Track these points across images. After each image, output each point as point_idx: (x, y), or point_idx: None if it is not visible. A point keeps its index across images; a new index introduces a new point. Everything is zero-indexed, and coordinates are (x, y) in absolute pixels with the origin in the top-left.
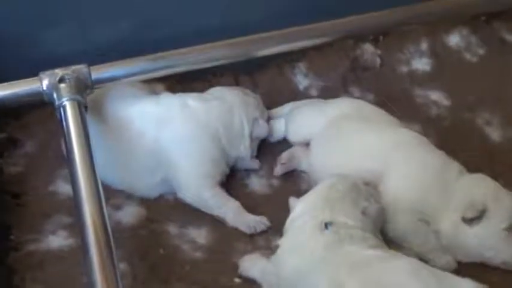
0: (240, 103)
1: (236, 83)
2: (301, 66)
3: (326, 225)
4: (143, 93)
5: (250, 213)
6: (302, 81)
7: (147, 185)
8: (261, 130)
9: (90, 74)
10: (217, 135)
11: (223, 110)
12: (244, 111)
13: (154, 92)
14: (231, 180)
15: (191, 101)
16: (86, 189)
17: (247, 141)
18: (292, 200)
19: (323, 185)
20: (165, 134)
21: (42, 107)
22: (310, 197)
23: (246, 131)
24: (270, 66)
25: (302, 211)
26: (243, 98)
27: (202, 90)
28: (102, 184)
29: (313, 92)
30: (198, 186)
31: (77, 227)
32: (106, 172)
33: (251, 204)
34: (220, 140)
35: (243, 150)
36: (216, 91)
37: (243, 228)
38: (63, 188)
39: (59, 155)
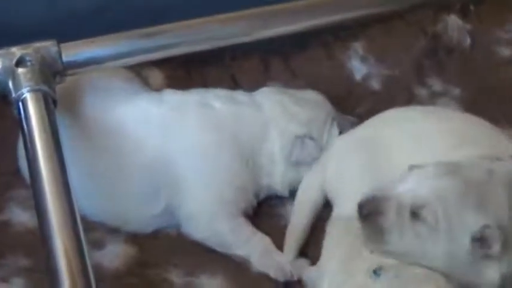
0: (281, 115)
1: (265, 69)
2: (358, 46)
3: (375, 272)
4: (135, 84)
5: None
6: (359, 67)
7: (141, 215)
8: (305, 153)
9: (60, 55)
10: (246, 154)
11: (256, 121)
12: (283, 126)
13: (147, 83)
14: (259, 209)
15: (215, 100)
16: (57, 217)
17: (281, 167)
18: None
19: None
20: (172, 145)
21: None
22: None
23: (282, 154)
24: (313, 46)
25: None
26: (288, 108)
27: (216, 79)
28: None
29: (374, 84)
30: (213, 215)
31: (39, 273)
32: (81, 196)
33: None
34: (248, 160)
35: (277, 178)
36: (259, 94)
37: (274, 273)
38: (18, 216)
39: (12, 169)
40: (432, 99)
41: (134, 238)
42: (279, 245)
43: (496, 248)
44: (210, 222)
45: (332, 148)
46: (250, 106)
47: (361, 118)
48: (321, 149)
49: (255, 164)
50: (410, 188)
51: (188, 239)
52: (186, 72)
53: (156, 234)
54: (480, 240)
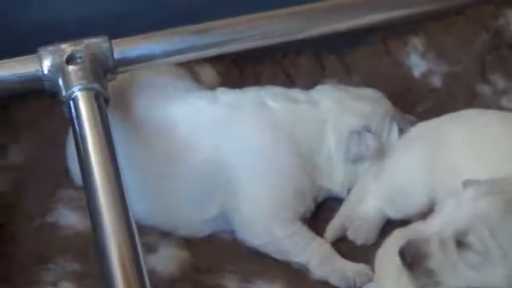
0: (339, 111)
1: (319, 65)
2: (417, 42)
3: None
4: (188, 81)
5: (346, 260)
6: (418, 64)
7: (194, 219)
8: (363, 147)
9: (112, 51)
10: (304, 155)
11: (313, 119)
12: (338, 120)
13: (199, 81)
14: (316, 212)
15: (271, 99)
16: (112, 221)
17: (340, 167)
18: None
19: None
20: (227, 146)
21: (39, 98)
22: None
23: (339, 150)
24: (369, 42)
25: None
26: (345, 103)
27: (270, 76)
28: None
29: (434, 81)
30: (270, 220)
31: (90, 278)
32: (133, 199)
33: (347, 248)
34: (307, 161)
35: (336, 179)
36: (316, 91)
37: (336, 281)
38: (66, 218)
39: (61, 169)
40: (495, 96)
41: (188, 243)
42: (340, 251)
43: None
44: (267, 227)
45: (392, 150)
46: (307, 104)
47: (421, 117)
48: (380, 143)
49: (314, 166)
50: (449, 217)
51: (243, 245)
52: (239, 69)
53: (210, 239)
54: None
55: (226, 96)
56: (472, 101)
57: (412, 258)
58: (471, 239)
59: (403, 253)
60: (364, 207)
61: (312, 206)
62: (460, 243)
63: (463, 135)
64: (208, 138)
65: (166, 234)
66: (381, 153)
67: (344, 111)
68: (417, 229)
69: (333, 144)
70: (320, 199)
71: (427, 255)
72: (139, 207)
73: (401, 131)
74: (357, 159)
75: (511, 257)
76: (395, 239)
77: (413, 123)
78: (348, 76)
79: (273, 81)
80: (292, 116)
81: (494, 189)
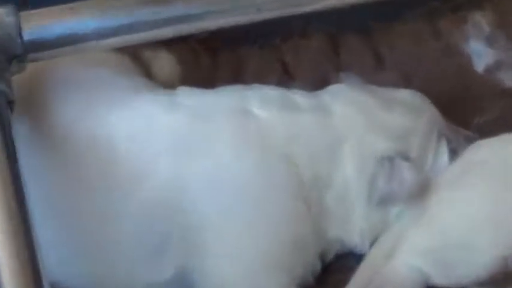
0: (360, 124)
1: (333, 52)
2: (480, 19)
3: None
4: (134, 76)
5: None
6: (482, 53)
7: (140, 282)
8: (395, 182)
9: (20, 29)
10: (307, 190)
11: (322, 136)
12: (362, 140)
13: (152, 75)
14: (326, 275)
15: (258, 105)
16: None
17: (361, 208)
18: None
19: None
20: (189, 173)
21: None
22: None
23: (361, 184)
24: (408, 18)
25: None
26: (371, 114)
27: (259, 68)
28: None
29: (506, 79)
30: (253, 287)
31: None
32: (49, 253)
33: None
34: (311, 200)
35: (353, 228)
36: (327, 93)
37: None
38: None
39: None
40: None
41: None
42: None
43: None
44: None
45: (441, 182)
46: (314, 113)
47: (484, 132)
48: (422, 176)
49: (321, 206)
50: None
51: None
52: (212, 57)
53: None
54: None
55: (190, 99)
56: None
57: None
58: None
59: None
60: (395, 266)
61: (318, 266)
62: None
63: None
64: (161, 162)
65: None
66: (422, 190)
67: (369, 126)
68: None
69: (351, 175)
70: (330, 256)
71: None
72: (58, 269)
73: (454, 153)
74: (386, 200)
75: None
76: None
77: (471, 141)
78: (375, 70)
79: (264, 77)
80: (289, 130)
81: None
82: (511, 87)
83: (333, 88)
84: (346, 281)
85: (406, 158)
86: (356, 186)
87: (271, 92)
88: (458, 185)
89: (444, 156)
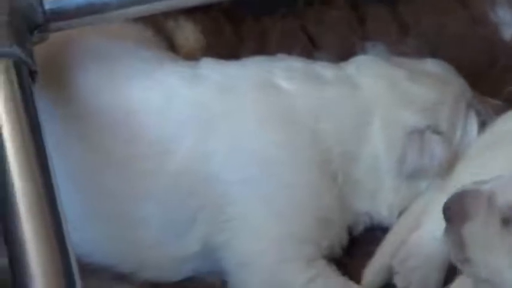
0: (389, 97)
1: (359, 20)
2: None
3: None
4: (156, 47)
5: None
6: (508, 20)
7: (166, 255)
8: (426, 156)
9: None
10: (334, 164)
11: (350, 109)
12: (391, 115)
13: (175, 45)
14: (353, 248)
15: (284, 77)
16: (40, 255)
17: (390, 181)
18: None
19: None
20: (215, 148)
21: None
22: None
23: (390, 158)
24: None
25: None
26: (400, 86)
27: (284, 38)
28: None
29: None
30: (279, 260)
31: None
32: (72, 225)
33: None
34: (338, 174)
35: (383, 200)
36: (354, 65)
37: None
38: None
39: None
40: None
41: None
42: None
43: None
44: (275, 271)
45: (470, 152)
46: (340, 85)
47: None
48: (452, 149)
49: (348, 180)
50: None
51: None
52: (235, 27)
53: (186, 285)
54: None
55: (213, 71)
56: None
57: (453, 214)
58: None
59: (447, 205)
60: (421, 238)
61: (345, 238)
62: (507, 220)
63: None
64: (185, 137)
65: (123, 278)
66: (452, 163)
67: (397, 99)
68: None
69: (380, 149)
70: (358, 229)
71: (469, 217)
72: (82, 238)
73: (484, 124)
74: (416, 174)
75: None
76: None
77: (501, 111)
78: (401, 39)
79: (287, 46)
80: (315, 104)
81: None
82: None
83: (358, 59)
84: (373, 252)
85: (436, 131)
86: (386, 160)
87: (296, 63)
88: (486, 154)
89: (473, 128)
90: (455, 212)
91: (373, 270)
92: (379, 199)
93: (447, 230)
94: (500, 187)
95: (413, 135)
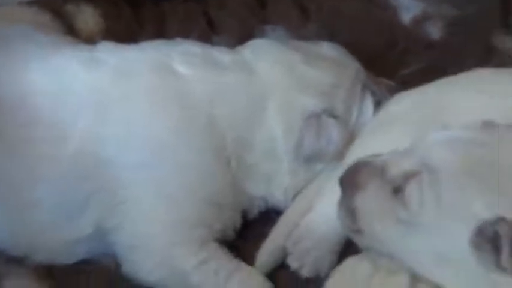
0: (285, 81)
1: (259, 4)
2: None
3: None
4: (52, 31)
5: None
6: (408, 4)
7: (59, 238)
8: (323, 140)
9: None
10: (229, 148)
11: (245, 94)
12: (287, 99)
13: (72, 29)
14: (247, 230)
15: (180, 62)
16: None
17: (286, 166)
18: None
19: None
20: (109, 131)
21: None
22: None
23: (287, 143)
24: None
25: None
26: (296, 69)
27: (184, 22)
28: None
29: (433, 30)
30: (171, 243)
31: None
32: None
33: (290, 280)
34: (232, 159)
35: (278, 186)
36: (249, 49)
37: None
38: None
39: None
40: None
41: (48, 272)
42: (277, 284)
43: (506, 256)
44: (166, 255)
45: (364, 132)
46: (237, 70)
47: (408, 83)
48: (348, 132)
49: (244, 165)
50: (403, 155)
51: (132, 280)
52: (135, 11)
53: (81, 267)
54: (483, 238)
55: (111, 55)
56: (487, 58)
57: (346, 184)
58: (409, 188)
59: (342, 175)
60: (314, 219)
61: (238, 222)
62: (397, 189)
63: (471, 106)
64: (81, 121)
65: (16, 261)
66: (348, 145)
67: (294, 83)
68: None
69: (277, 133)
70: (253, 212)
71: (360, 186)
72: None
73: (378, 104)
74: (313, 157)
75: (445, 228)
76: (349, 271)
77: (394, 92)
78: (301, 24)
79: (186, 31)
80: (211, 89)
81: (468, 140)
82: (437, 40)
83: (254, 43)
84: (267, 234)
85: (332, 114)
86: (283, 144)
87: (194, 48)
88: (380, 134)
89: (369, 108)
90: (349, 182)
91: (266, 252)
92: (275, 183)
93: (340, 201)
94: (393, 159)
95: (310, 119)
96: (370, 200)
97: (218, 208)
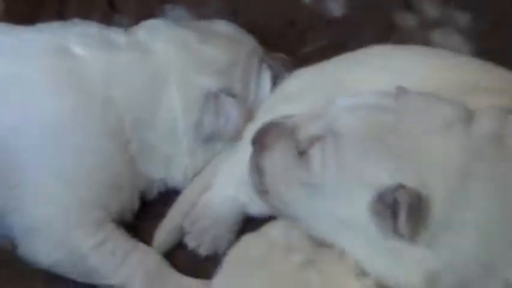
0: (181, 60)
1: None
2: None
3: None
4: None
5: (184, 275)
6: None
7: None
8: (222, 118)
9: None
10: (126, 131)
11: (142, 75)
12: (185, 79)
13: None
14: (145, 210)
15: (77, 43)
16: None
17: (186, 146)
18: None
19: None
20: (4, 113)
21: None
22: None
23: (186, 123)
24: None
25: None
26: (192, 49)
27: (83, 3)
28: None
29: (334, 8)
30: (67, 225)
31: None
32: None
33: (188, 259)
34: (130, 141)
35: (177, 168)
36: (144, 30)
37: None
38: None
39: None
40: (423, 30)
41: None
42: (175, 263)
43: (403, 222)
44: (63, 235)
45: (259, 110)
46: (132, 52)
47: (307, 60)
48: (247, 109)
49: (143, 147)
50: (313, 117)
51: (27, 264)
52: None
53: None
54: (382, 204)
55: (7, 36)
56: (387, 35)
57: (255, 146)
58: (312, 151)
59: (255, 135)
60: (212, 199)
61: (136, 203)
62: (302, 152)
63: (369, 82)
64: None
65: None
66: (247, 123)
67: (191, 63)
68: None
69: (177, 114)
70: (152, 193)
71: (268, 146)
72: None
73: (276, 78)
74: (213, 137)
75: (346, 193)
76: (245, 248)
77: (291, 67)
78: (201, 2)
79: (87, 13)
80: (108, 71)
81: (374, 106)
82: (338, 17)
83: (148, 24)
84: (165, 214)
85: (230, 93)
86: (183, 124)
87: (91, 29)
88: (279, 110)
89: (266, 83)
90: (258, 142)
91: (164, 231)
92: (174, 164)
93: (250, 160)
94: (302, 121)
95: (208, 99)
96: (277, 160)
97: (115, 190)
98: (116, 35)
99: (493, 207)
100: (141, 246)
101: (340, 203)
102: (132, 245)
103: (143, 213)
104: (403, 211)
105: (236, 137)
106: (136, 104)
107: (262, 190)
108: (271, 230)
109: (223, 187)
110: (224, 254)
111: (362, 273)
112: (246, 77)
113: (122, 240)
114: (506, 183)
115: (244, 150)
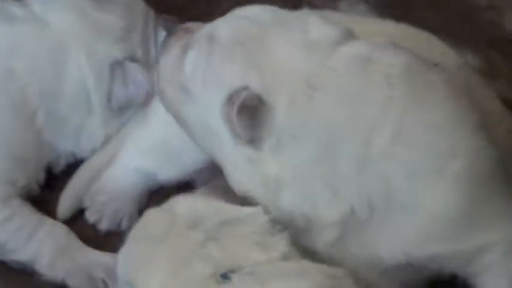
0: (81, 30)
1: None
2: None
3: (224, 276)
4: None
5: (94, 249)
6: None
7: None
8: (131, 87)
9: None
10: (31, 102)
11: (42, 46)
12: (89, 50)
13: None
14: (54, 182)
15: None
16: None
17: (97, 119)
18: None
19: None
20: None
21: None
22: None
23: (97, 97)
24: None
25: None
26: (89, 17)
27: None
28: None
29: None
30: None
31: None
32: None
33: (93, 232)
34: (35, 113)
35: (87, 140)
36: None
37: (77, 283)
38: None
39: None
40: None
41: None
42: (84, 235)
43: (236, 121)
44: None
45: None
46: (29, 23)
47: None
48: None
49: (52, 118)
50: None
51: None
52: None
53: None
54: (230, 106)
55: None
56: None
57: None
58: (188, 54)
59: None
60: (114, 172)
61: (42, 176)
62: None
63: None
64: None
65: None
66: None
67: (90, 32)
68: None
69: (87, 84)
70: (60, 165)
71: (167, 48)
72: None
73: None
74: (125, 105)
75: (209, 97)
76: (148, 223)
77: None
78: None
79: None
80: (7, 42)
81: (251, 17)
82: None
83: None
84: None
85: (133, 59)
86: (93, 95)
87: None
88: None
89: None
90: (163, 44)
91: (67, 202)
92: (85, 135)
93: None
94: (199, 27)
95: (114, 68)
96: (168, 62)
97: (22, 163)
98: (13, 7)
99: (337, 122)
100: (48, 220)
101: (204, 108)
102: (39, 220)
103: (52, 185)
104: (235, 110)
105: (148, 100)
106: (40, 74)
107: (159, 90)
108: (175, 205)
109: (125, 161)
110: (129, 228)
111: (267, 246)
112: (145, 41)
113: (29, 216)
114: (354, 100)
115: (153, 117)
